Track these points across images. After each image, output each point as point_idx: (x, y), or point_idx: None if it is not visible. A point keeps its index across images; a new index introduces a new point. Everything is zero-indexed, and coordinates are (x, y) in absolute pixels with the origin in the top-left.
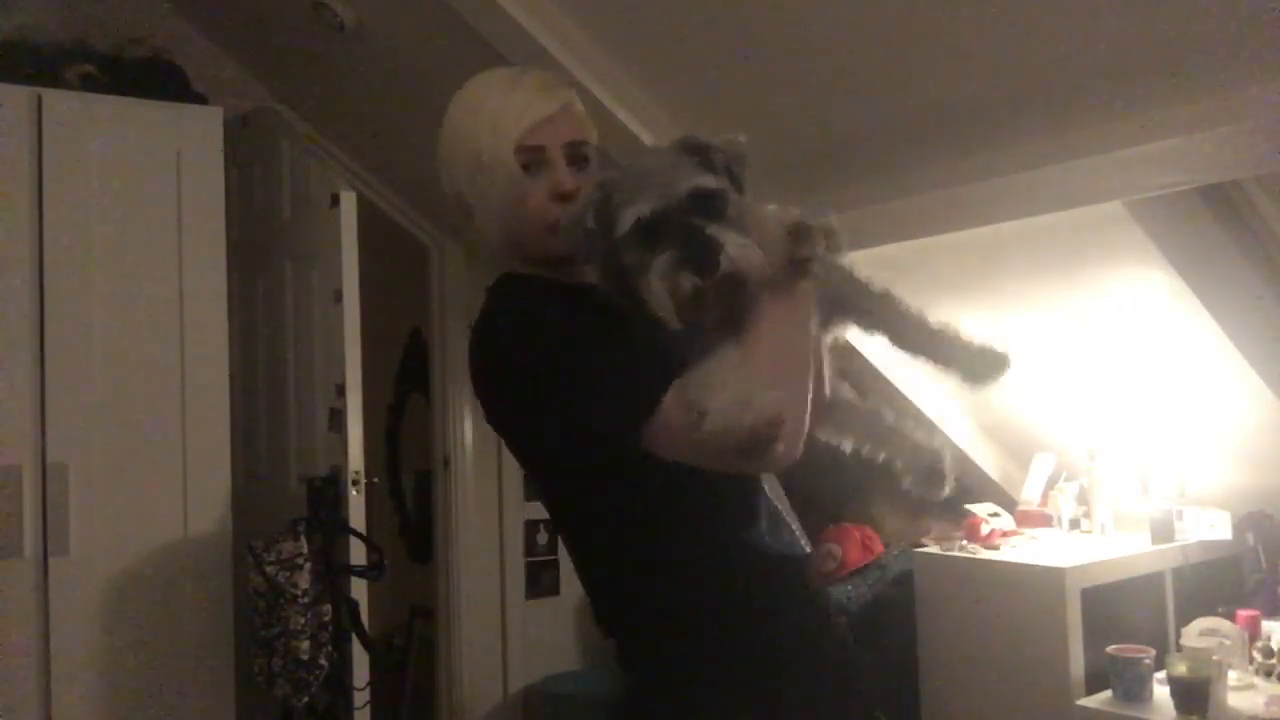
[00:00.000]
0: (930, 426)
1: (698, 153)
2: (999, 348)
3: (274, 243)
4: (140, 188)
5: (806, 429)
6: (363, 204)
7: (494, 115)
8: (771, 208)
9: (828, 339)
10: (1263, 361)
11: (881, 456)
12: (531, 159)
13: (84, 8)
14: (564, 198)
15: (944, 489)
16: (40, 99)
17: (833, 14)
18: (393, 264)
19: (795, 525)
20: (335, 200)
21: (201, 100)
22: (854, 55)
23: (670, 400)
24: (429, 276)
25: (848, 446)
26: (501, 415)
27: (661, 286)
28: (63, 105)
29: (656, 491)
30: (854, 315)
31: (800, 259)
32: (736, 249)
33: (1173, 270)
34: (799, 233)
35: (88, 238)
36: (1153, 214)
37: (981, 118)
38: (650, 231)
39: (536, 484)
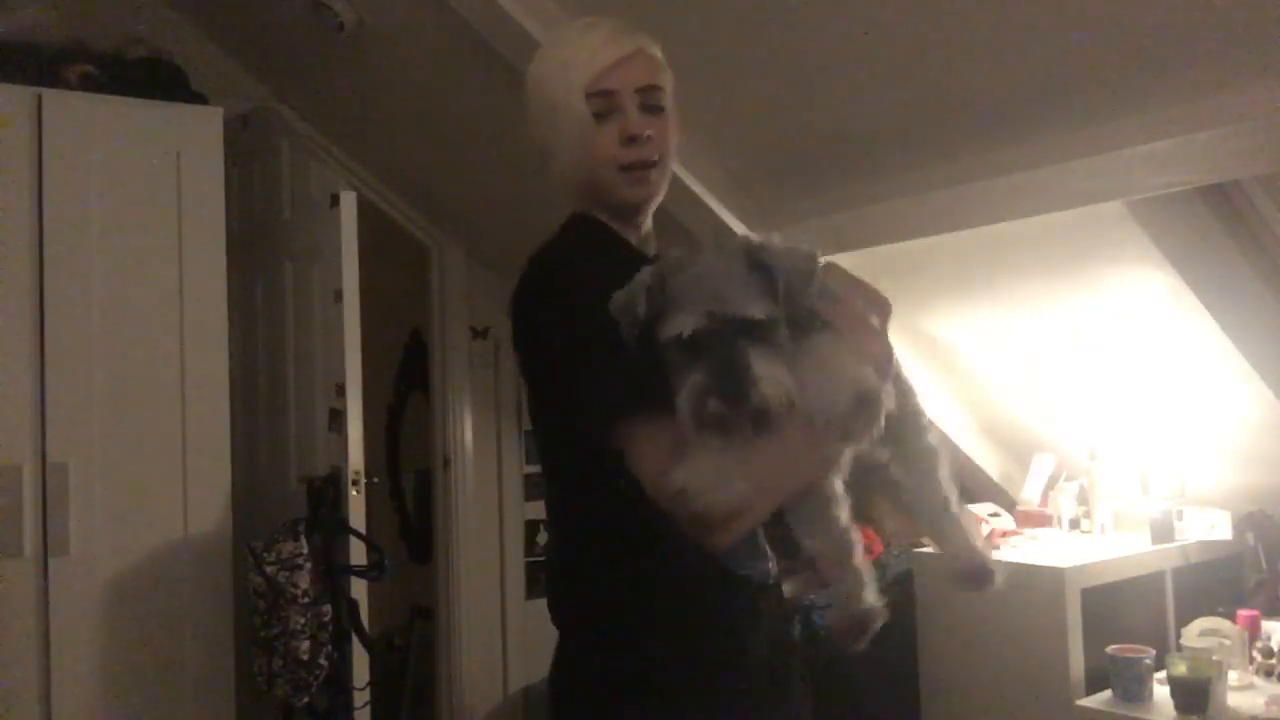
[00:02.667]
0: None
1: (762, 270)
2: (991, 567)
3: (274, 243)
4: (140, 188)
5: (739, 536)
6: (363, 204)
7: (566, 61)
8: (849, 360)
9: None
10: (1263, 362)
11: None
12: (603, 104)
13: (84, 8)
14: (633, 141)
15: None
16: (40, 99)
17: (833, 16)
18: (393, 264)
19: (769, 553)
20: (335, 200)
21: (201, 100)
22: (853, 56)
23: (655, 424)
24: (429, 276)
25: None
26: (524, 356)
27: (687, 402)
28: (63, 105)
29: (627, 492)
30: (890, 446)
31: (849, 432)
32: (770, 385)
33: (1173, 270)
34: (864, 405)
35: (88, 238)
36: (1153, 214)
37: (982, 118)
38: (691, 346)
39: (536, 437)
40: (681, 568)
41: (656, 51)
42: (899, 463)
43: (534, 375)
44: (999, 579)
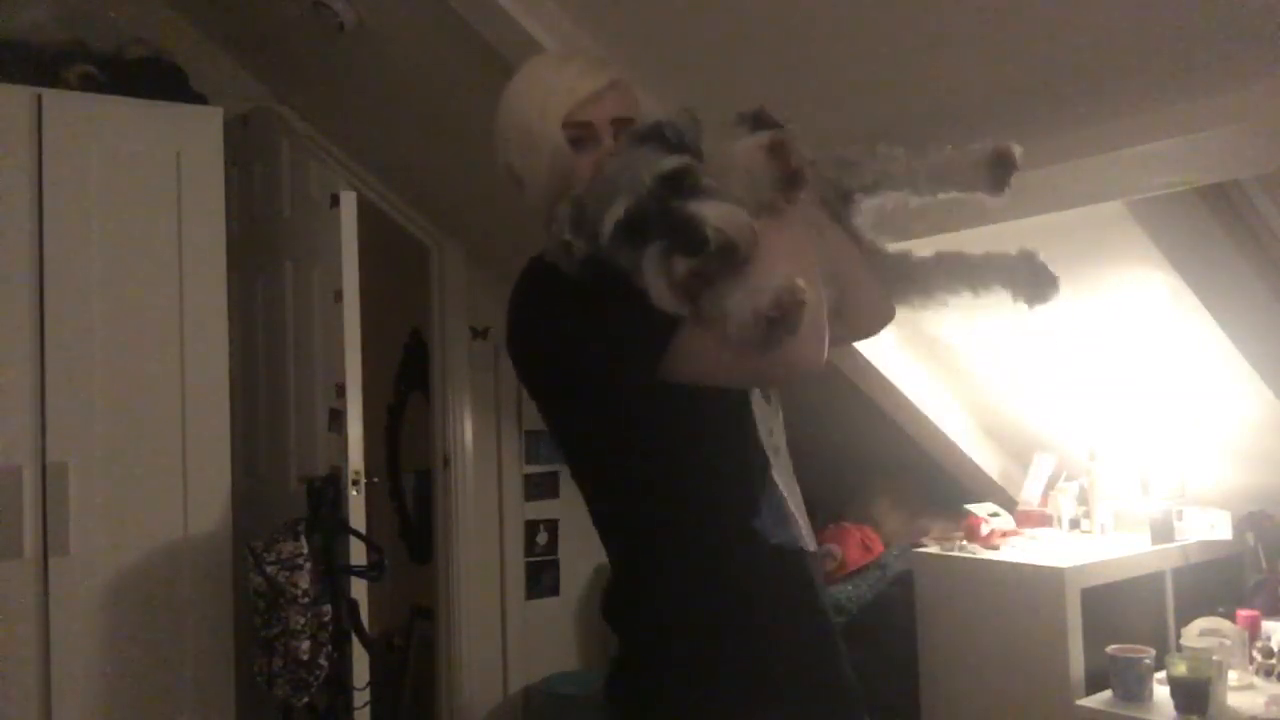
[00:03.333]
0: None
1: (650, 139)
2: (1001, 146)
3: (274, 243)
4: (140, 188)
5: (825, 331)
6: (363, 204)
7: (543, 91)
8: (739, 143)
9: (854, 225)
10: (1263, 361)
11: (980, 290)
12: (579, 134)
13: (84, 8)
14: None
15: (1056, 286)
16: (40, 99)
17: (833, 15)
18: (393, 264)
19: (803, 521)
20: (335, 200)
21: (201, 100)
22: (853, 56)
23: (686, 326)
24: (429, 276)
25: (942, 300)
26: (533, 390)
27: (658, 278)
28: (63, 105)
29: (660, 472)
30: (857, 189)
31: (790, 174)
32: (718, 218)
33: (1173, 270)
34: (777, 149)
35: (88, 238)
36: (1153, 214)
37: (981, 118)
38: (634, 229)
39: (569, 463)
40: (715, 536)
41: (628, 85)
42: (885, 176)
43: (565, 385)
44: (1018, 153)
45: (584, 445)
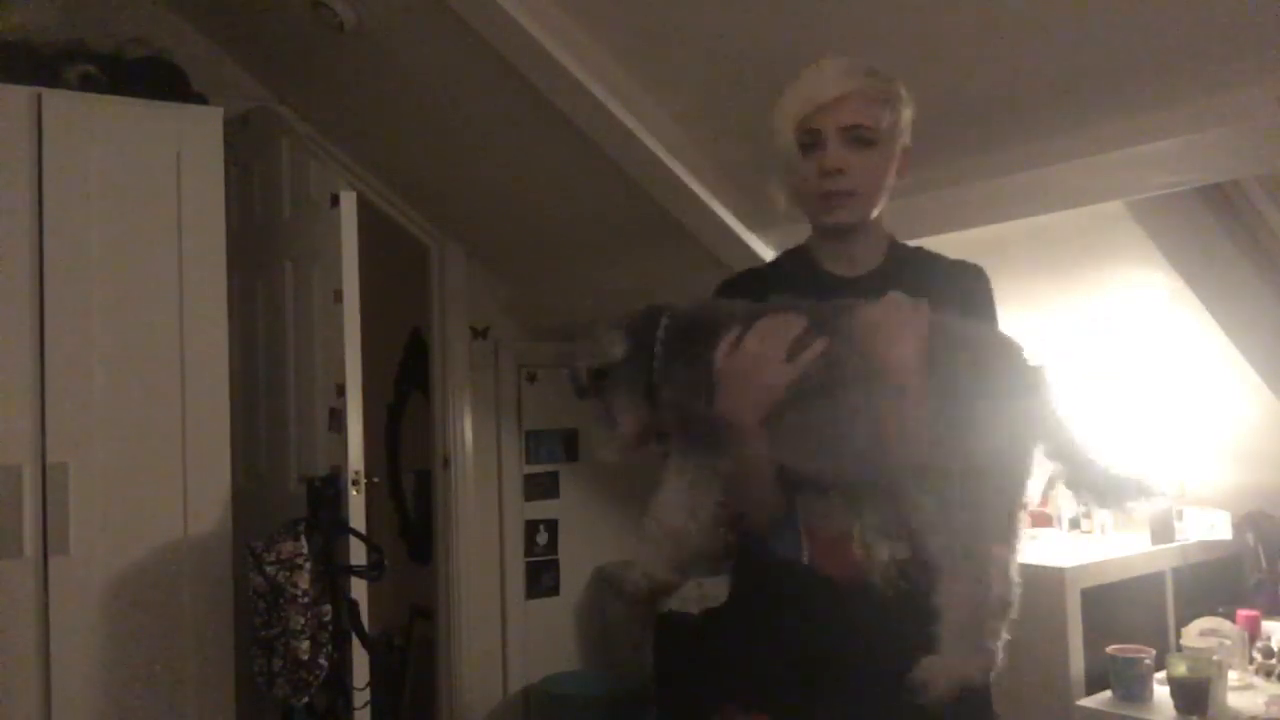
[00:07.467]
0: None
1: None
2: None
3: (274, 243)
4: (140, 188)
5: None
6: (363, 204)
7: (789, 96)
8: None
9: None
10: (1263, 361)
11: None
12: (808, 140)
13: (84, 8)
14: (828, 174)
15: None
16: (40, 99)
17: (833, 18)
18: (393, 264)
19: (807, 530)
20: (335, 200)
21: (201, 100)
22: (854, 57)
23: None
24: (429, 276)
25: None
26: None
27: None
28: (63, 105)
29: None
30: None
31: None
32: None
33: (1173, 270)
34: None
35: (88, 237)
36: (1153, 214)
37: (982, 118)
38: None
39: None
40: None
41: (878, 87)
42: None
43: None
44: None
45: None
